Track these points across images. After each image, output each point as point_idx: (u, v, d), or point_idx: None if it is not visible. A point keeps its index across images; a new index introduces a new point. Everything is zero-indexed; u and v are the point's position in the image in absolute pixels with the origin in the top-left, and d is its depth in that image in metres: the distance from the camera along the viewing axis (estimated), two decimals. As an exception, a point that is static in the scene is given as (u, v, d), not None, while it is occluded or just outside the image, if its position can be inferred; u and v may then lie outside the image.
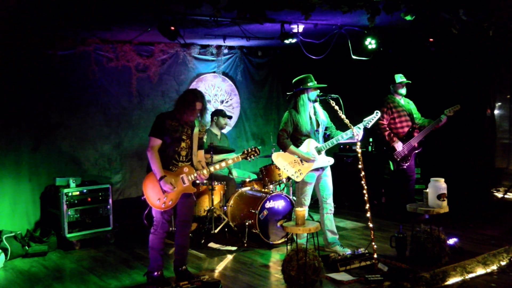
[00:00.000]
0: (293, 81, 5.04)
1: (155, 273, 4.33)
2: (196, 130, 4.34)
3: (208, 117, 4.42)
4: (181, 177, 4.23)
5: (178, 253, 4.46)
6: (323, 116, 5.11)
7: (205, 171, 4.27)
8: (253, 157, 4.43)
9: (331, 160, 5.07)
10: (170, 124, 4.20)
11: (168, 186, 4.12)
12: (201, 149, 4.45)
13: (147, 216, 5.89)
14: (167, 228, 4.33)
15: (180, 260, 4.45)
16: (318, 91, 5.00)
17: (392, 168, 6.41)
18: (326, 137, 5.12)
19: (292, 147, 4.94)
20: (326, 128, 5.14)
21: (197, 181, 4.33)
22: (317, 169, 5.04)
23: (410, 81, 6.39)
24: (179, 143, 4.24)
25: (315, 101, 5.02)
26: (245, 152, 4.44)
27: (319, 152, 4.97)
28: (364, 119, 4.90)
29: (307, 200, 5.07)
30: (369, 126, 4.91)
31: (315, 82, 4.97)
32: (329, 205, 5.12)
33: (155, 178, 4.16)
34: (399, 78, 6.37)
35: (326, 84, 5.03)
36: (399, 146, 6.24)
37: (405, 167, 6.28)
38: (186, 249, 4.49)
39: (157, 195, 4.18)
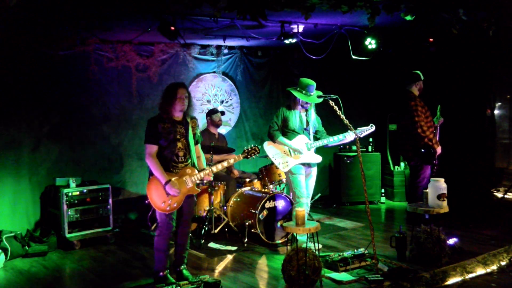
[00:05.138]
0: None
1: (161, 273, 4.32)
2: (189, 127, 4.33)
3: (192, 110, 4.38)
4: (184, 179, 4.22)
5: (178, 252, 4.46)
6: (314, 119, 5.29)
7: (207, 171, 4.27)
8: (253, 156, 4.50)
9: (319, 158, 5.22)
10: (162, 127, 4.18)
11: (175, 190, 4.11)
12: (197, 144, 4.45)
13: (150, 217, 5.97)
14: (172, 227, 4.31)
15: (180, 259, 4.45)
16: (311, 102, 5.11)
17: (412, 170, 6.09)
18: (315, 139, 5.30)
19: (280, 138, 5.14)
20: (317, 132, 5.33)
21: (204, 181, 4.32)
22: (304, 164, 5.18)
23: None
24: (175, 144, 4.22)
25: (305, 104, 5.12)
26: (245, 151, 4.49)
27: (308, 148, 5.16)
28: (359, 128, 5.04)
29: (302, 192, 5.13)
30: (361, 136, 5.04)
31: (310, 93, 5.02)
32: (305, 204, 5.20)
33: (158, 181, 4.16)
34: (422, 75, 5.98)
35: (319, 90, 5.12)
36: (440, 149, 5.82)
37: (434, 170, 5.89)
38: (186, 248, 4.48)
39: (161, 198, 4.16)
